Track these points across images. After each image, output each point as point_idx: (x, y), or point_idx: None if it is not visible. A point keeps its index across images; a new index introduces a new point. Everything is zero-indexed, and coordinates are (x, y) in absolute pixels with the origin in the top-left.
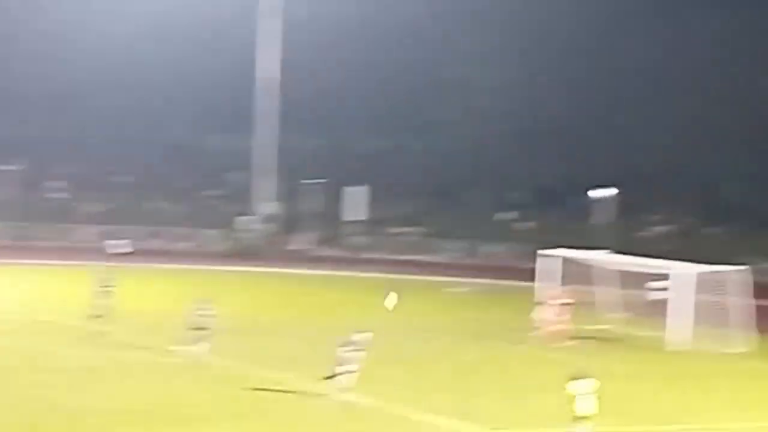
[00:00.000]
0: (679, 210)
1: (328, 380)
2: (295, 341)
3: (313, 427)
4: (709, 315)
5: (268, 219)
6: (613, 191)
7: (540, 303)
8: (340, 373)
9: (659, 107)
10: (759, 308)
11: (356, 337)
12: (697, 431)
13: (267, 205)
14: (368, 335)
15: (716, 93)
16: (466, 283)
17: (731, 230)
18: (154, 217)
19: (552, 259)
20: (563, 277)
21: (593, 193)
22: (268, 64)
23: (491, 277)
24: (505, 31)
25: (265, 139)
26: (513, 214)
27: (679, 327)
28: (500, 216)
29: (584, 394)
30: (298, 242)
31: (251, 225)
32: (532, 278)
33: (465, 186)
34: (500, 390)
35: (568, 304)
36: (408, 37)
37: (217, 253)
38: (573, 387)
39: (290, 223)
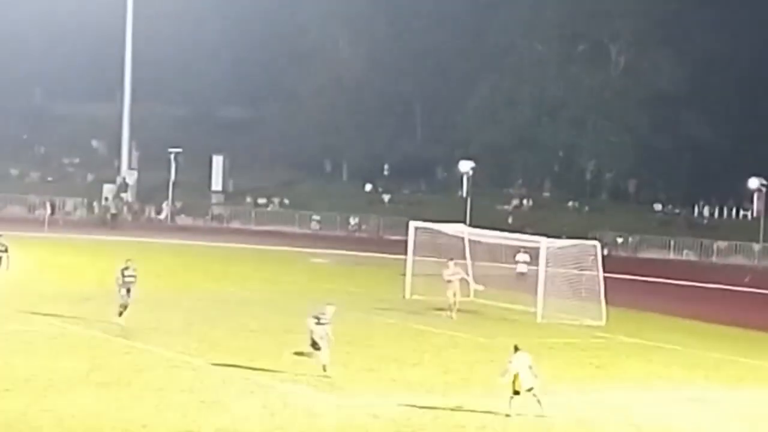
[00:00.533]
0: (537, 184)
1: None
2: (165, 311)
3: (179, 395)
4: (564, 288)
5: (131, 187)
6: (471, 165)
7: (410, 275)
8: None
9: (517, 83)
10: (612, 281)
11: (327, 309)
12: (564, 404)
13: (129, 173)
14: (332, 308)
15: (571, 69)
16: (331, 255)
17: (588, 204)
18: (12, 183)
19: (422, 231)
20: (433, 249)
21: (461, 166)
22: (133, 34)
23: (357, 249)
24: (369, 1)
25: (127, 107)
26: (377, 187)
27: (540, 299)
28: (368, 188)
29: (524, 367)
30: (160, 211)
31: (115, 193)
32: (397, 250)
33: (328, 157)
34: (367, 360)
35: (453, 277)
36: (270, 6)
37: (80, 221)
38: (515, 360)
39: (152, 192)
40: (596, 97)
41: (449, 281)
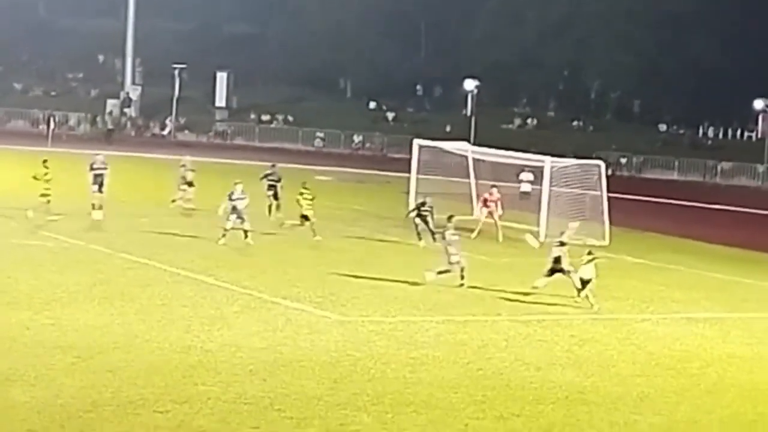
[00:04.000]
0: (542, 103)
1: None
2: (168, 227)
3: (182, 310)
4: (568, 207)
5: (134, 103)
6: (476, 83)
7: (413, 193)
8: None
9: (523, 1)
10: (616, 201)
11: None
12: (570, 321)
13: (133, 88)
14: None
15: None
16: (335, 172)
17: (592, 123)
18: (16, 98)
19: (426, 149)
20: (437, 167)
21: (466, 85)
22: None
23: (361, 167)
24: None
25: (131, 22)
26: (381, 104)
27: (543, 219)
28: (372, 105)
29: (588, 262)
30: (164, 127)
31: (118, 109)
32: (400, 168)
33: (333, 74)
34: (370, 278)
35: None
36: None
37: (84, 136)
38: (585, 257)
39: (156, 108)
40: (602, 17)
41: (488, 206)
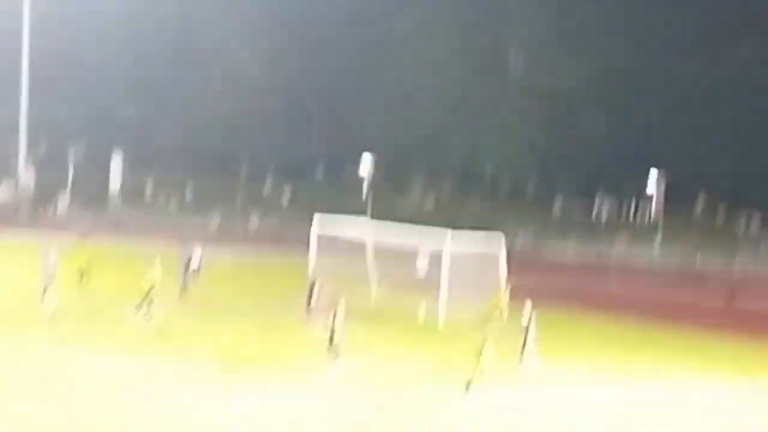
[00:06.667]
0: (438, 180)
1: None
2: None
3: None
4: (463, 288)
5: (27, 185)
6: (371, 160)
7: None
8: None
9: (420, 81)
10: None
11: None
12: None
13: (25, 171)
14: None
15: (471, 64)
16: (230, 251)
17: (489, 200)
18: None
19: (320, 230)
20: (331, 249)
21: (363, 162)
22: (31, 32)
23: (257, 246)
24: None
25: (24, 105)
26: (275, 184)
27: (442, 301)
28: (266, 186)
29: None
30: (57, 209)
31: (9, 191)
32: (293, 247)
33: (229, 156)
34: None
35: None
36: (167, 4)
37: None
38: None
39: (47, 190)
40: (495, 93)
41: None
